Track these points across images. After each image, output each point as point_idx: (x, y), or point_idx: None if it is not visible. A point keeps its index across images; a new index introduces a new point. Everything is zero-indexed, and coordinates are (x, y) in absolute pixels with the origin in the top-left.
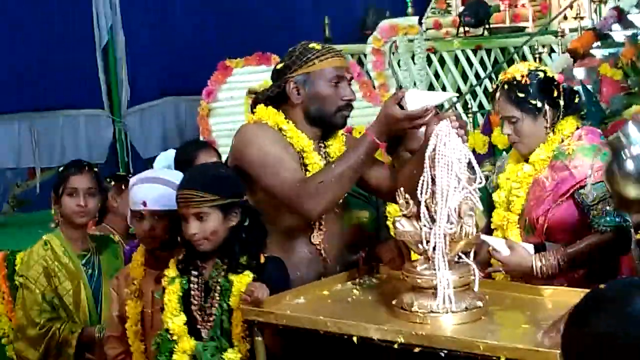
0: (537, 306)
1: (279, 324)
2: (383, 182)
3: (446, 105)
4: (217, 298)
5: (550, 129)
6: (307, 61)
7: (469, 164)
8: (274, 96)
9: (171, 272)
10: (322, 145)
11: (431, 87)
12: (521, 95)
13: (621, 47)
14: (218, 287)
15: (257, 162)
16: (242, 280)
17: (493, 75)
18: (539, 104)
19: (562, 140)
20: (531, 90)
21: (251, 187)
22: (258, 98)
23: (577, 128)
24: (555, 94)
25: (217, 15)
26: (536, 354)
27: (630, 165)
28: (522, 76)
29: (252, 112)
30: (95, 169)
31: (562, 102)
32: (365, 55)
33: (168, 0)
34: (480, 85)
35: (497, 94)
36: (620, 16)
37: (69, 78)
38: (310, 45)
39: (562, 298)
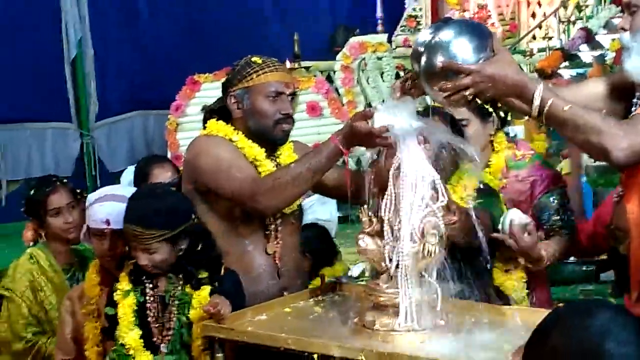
0: (500, 326)
1: (240, 341)
2: (338, 184)
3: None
4: (175, 311)
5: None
6: (247, 75)
7: (433, 182)
8: (218, 110)
9: (124, 285)
10: (273, 156)
11: None
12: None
13: (589, 68)
14: (176, 301)
15: (210, 170)
16: (201, 293)
17: None
18: (490, 109)
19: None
20: None
21: (208, 200)
22: (206, 113)
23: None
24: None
25: (187, 31)
26: None
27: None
28: None
29: (204, 127)
30: (65, 180)
31: (503, 115)
32: (334, 72)
33: (138, 15)
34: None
35: None
36: (589, 37)
37: (37, 91)
38: (253, 59)
39: (524, 318)
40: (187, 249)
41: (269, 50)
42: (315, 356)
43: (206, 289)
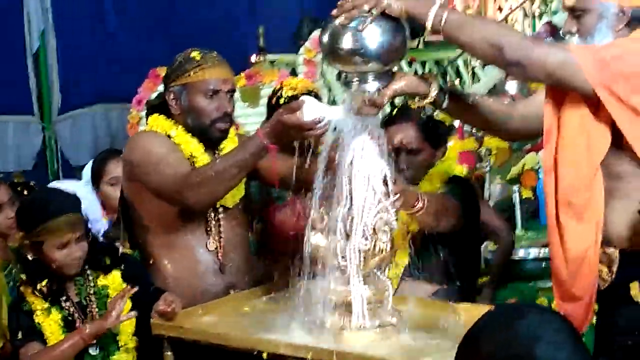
0: (451, 323)
1: (188, 339)
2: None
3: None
4: (97, 309)
5: None
6: (185, 72)
7: (385, 179)
8: (160, 105)
9: (39, 304)
10: (216, 151)
11: None
12: None
13: None
14: (93, 299)
15: (142, 164)
16: (115, 281)
17: None
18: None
19: None
20: None
21: (147, 195)
22: (148, 108)
23: None
24: None
25: (151, 23)
26: None
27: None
28: None
29: (147, 123)
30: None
31: None
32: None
33: (102, 7)
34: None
35: None
36: (554, 31)
37: None
38: (192, 55)
39: (476, 315)
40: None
41: (234, 44)
42: (264, 355)
43: (116, 275)
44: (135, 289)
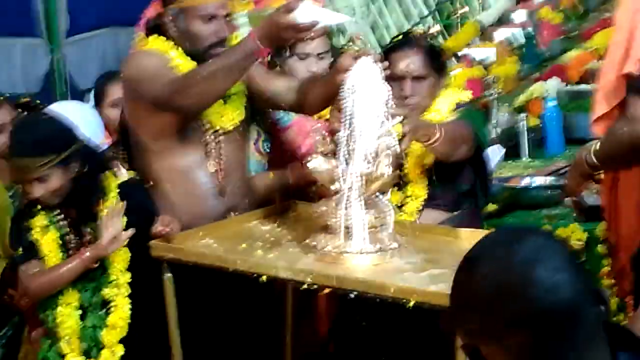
0: (453, 249)
1: (189, 262)
2: (290, 95)
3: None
4: (91, 232)
5: None
6: None
7: (387, 102)
8: (157, 26)
9: (38, 220)
10: None
11: (375, 25)
12: None
13: None
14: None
15: (139, 78)
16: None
17: (437, 15)
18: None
19: None
20: None
21: (145, 115)
22: (147, 29)
23: None
24: None
25: None
26: (445, 299)
27: None
28: None
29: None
30: (8, 95)
31: None
32: None
33: None
34: (423, 25)
35: None
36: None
37: (5, 6)
38: None
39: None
40: (80, 176)
41: None
42: (263, 278)
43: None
44: (124, 203)
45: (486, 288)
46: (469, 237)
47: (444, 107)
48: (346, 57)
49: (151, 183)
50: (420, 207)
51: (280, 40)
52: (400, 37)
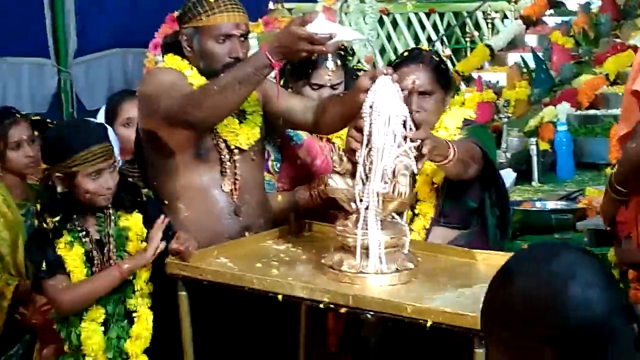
0: (469, 270)
1: (204, 280)
2: (308, 114)
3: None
4: (114, 251)
5: None
6: (197, 15)
7: (405, 122)
8: (173, 44)
9: (62, 237)
10: None
11: (383, 49)
12: None
13: (574, 16)
14: (112, 239)
15: (155, 93)
16: (136, 224)
17: (445, 40)
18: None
19: None
20: None
21: (162, 134)
22: (164, 47)
23: None
24: None
25: None
26: (463, 319)
27: None
28: None
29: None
30: (24, 113)
31: None
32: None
33: None
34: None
35: None
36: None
37: (14, 25)
38: None
39: (495, 262)
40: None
41: None
42: (279, 297)
43: (138, 218)
44: (167, 219)
45: (520, 302)
46: (485, 259)
47: (451, 124)
48: (365, 76)
49: (166, 202)
50: (428, 225)
51: (293, 53)
52: (408, 53)
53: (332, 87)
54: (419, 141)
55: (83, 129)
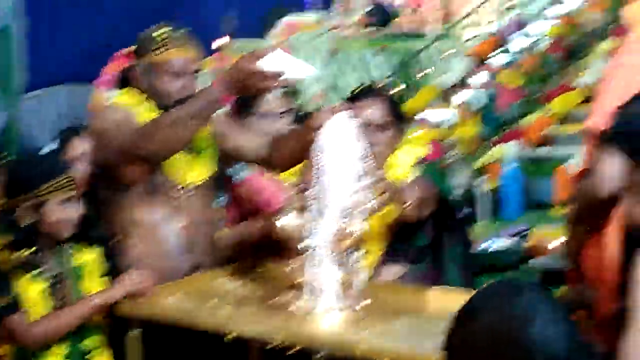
0: (422, 308)
1: (153, 319)
2: (261, 150)
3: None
4: (71, 286)
5: None
6: (149, 50)
7: (363, 157)
8: (126, 79)
9: (19, 273)
10: None
11: (335, 86)
12: None
13: (521, 55)
14: (69, 274)
15: (105, 129)
16: (94, 260)
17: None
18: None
19: None
20: None
21: (113, 171)
22: (119, 81)
23: None
24: None
25: (122, 5)
26: (417, 357)
27: None
28: None
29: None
30: None
31: None
32: None
33: None
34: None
35: None
36: (522, 25)
37: None
38: (156, 33)
39: (447, 301)
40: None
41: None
42: (229, 337)
43: (95, 254)
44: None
45: (484, 338)
46: (439, 297)
47: (405, 161)
48: (320, 113)
49: (117, 237)
50: (378, 262)
51: (244, 88)
52: (362, 87)
53: (280, 114)
54: (379, 179)
55: (49, 159)
